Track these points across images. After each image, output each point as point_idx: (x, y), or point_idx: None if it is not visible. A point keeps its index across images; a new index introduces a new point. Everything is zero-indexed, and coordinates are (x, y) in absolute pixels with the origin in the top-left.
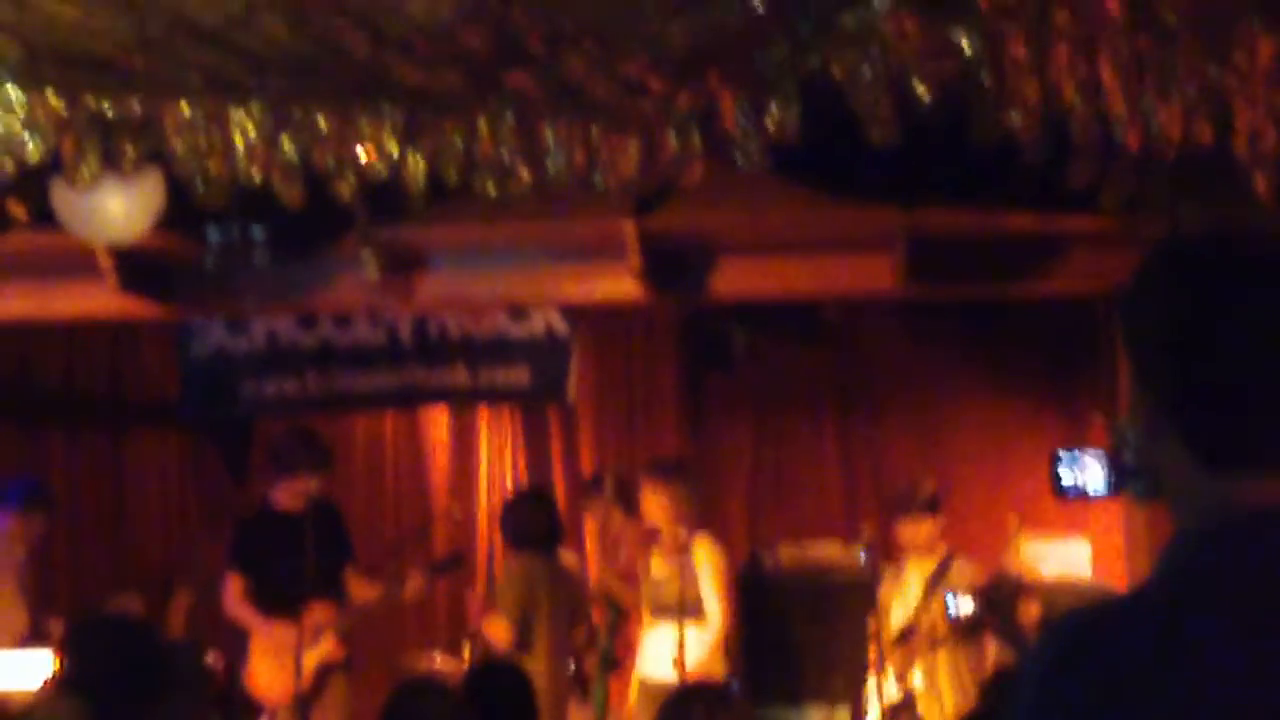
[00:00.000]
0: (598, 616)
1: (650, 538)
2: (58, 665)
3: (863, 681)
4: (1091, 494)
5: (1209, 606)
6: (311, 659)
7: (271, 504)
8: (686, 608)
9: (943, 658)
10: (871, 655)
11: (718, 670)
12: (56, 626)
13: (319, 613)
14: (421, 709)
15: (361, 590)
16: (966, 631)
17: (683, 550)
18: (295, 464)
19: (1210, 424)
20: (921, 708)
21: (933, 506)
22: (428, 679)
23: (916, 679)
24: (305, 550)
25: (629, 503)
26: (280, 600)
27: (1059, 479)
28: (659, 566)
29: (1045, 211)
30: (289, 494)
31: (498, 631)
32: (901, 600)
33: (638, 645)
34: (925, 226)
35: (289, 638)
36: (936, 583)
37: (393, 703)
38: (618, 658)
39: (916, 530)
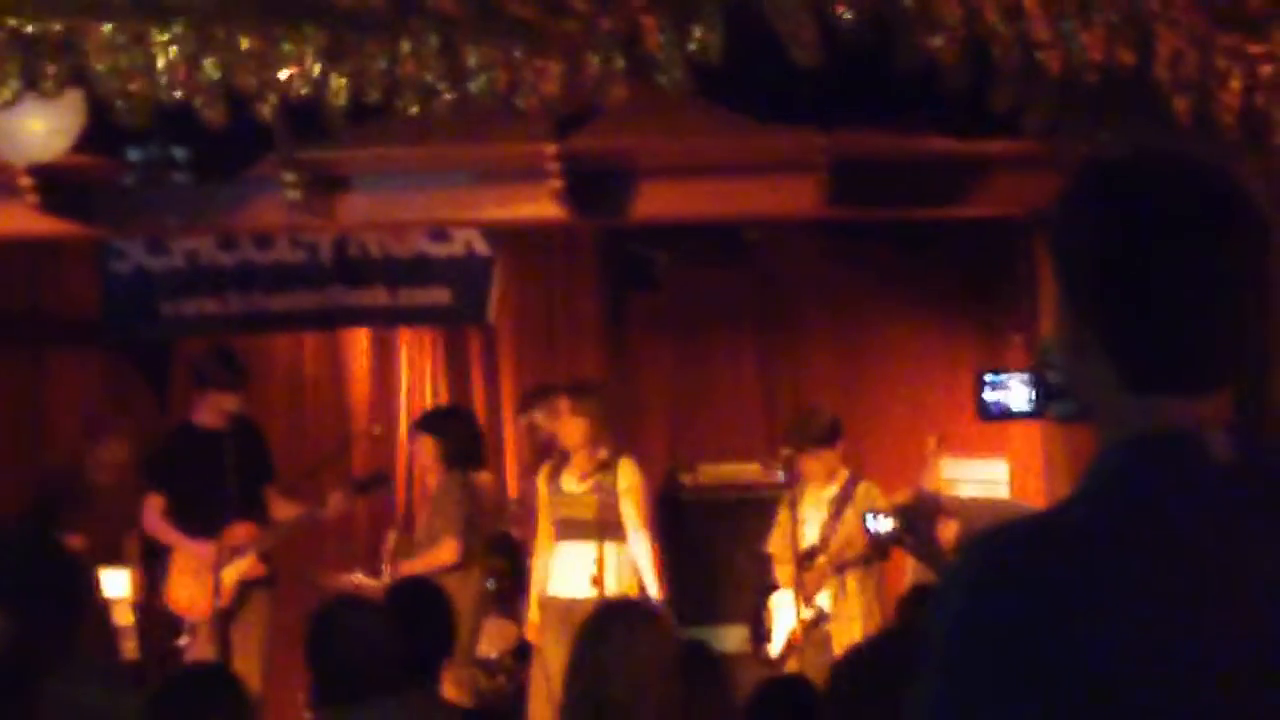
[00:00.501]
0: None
1: (561, 459)
2: None
3: (764, 602)
4: (1016, 415)
5: (1132, 523)
6: (231, 576)
7: (192, 422)
8: (605, 526)
9: (851, 580)
10: (776, 575)
11: (634, 591)
12: None
13: (239, 531)
14: (347, 624)
15: (282, 509)
16: (879, 551)
17: (602, 469)
18: (214, 381)
19: (1138, 348)
20: (831, 628)
21: (829, 439)
22: (352, 596)
23: (824, 600)
24: (225, 468)
25: None
26: (200, 518)
27: (983, 401)
28: (571, 483)
29: (966, 135)
30: (209, 412)
31: (447, 554)
32: (804, 523)
33: (535, 561)
34: (847, 149)
35: (208, 555)
36: (841, 507)
37: (319, 619)
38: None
39: (815, 462)
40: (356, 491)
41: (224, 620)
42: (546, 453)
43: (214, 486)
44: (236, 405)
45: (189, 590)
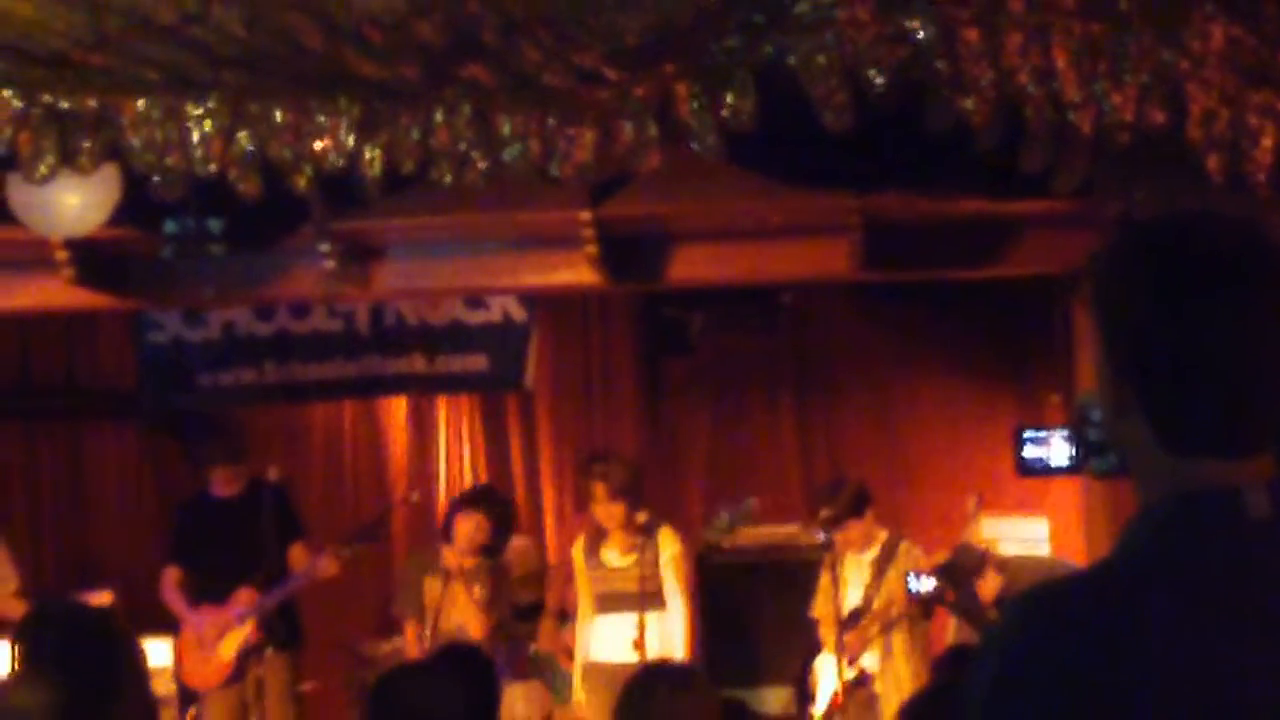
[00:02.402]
0: (555, 599)
1: (598, 532)
2: (15, 654)
3: (810, 664)
4: (1055, 470)
5: (1171, 583)
6: (231, 646)
7: (207, 491)
8: (647, 596)
9: (897, 640)
10: (821, 637)
11: (676, 655)
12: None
13: (241, 598)
14: (409, 692)
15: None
16: (924, 610)
17: (643, 534)
18: (210, 459)
19: (1176, 411)
20: (879, 688)
21: (856, 510)
22: (412, 663)
23: (870, 660)
24: (240, 535)
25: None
26: (214, 587)
27: (1022, 456)
28: (612, 556)
29: (999, 195)
30: (221, 481)
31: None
32: (847, 584)
33: (577, 634)
34: (880, 211)
35: (210, 626)
36: (884, 567)
37: (380, 686)
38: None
39: (847, 533)
40: (348, 547)
41: (235, 689)
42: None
43: (228, 555)
44: (241, 475)
45: (195, 662)
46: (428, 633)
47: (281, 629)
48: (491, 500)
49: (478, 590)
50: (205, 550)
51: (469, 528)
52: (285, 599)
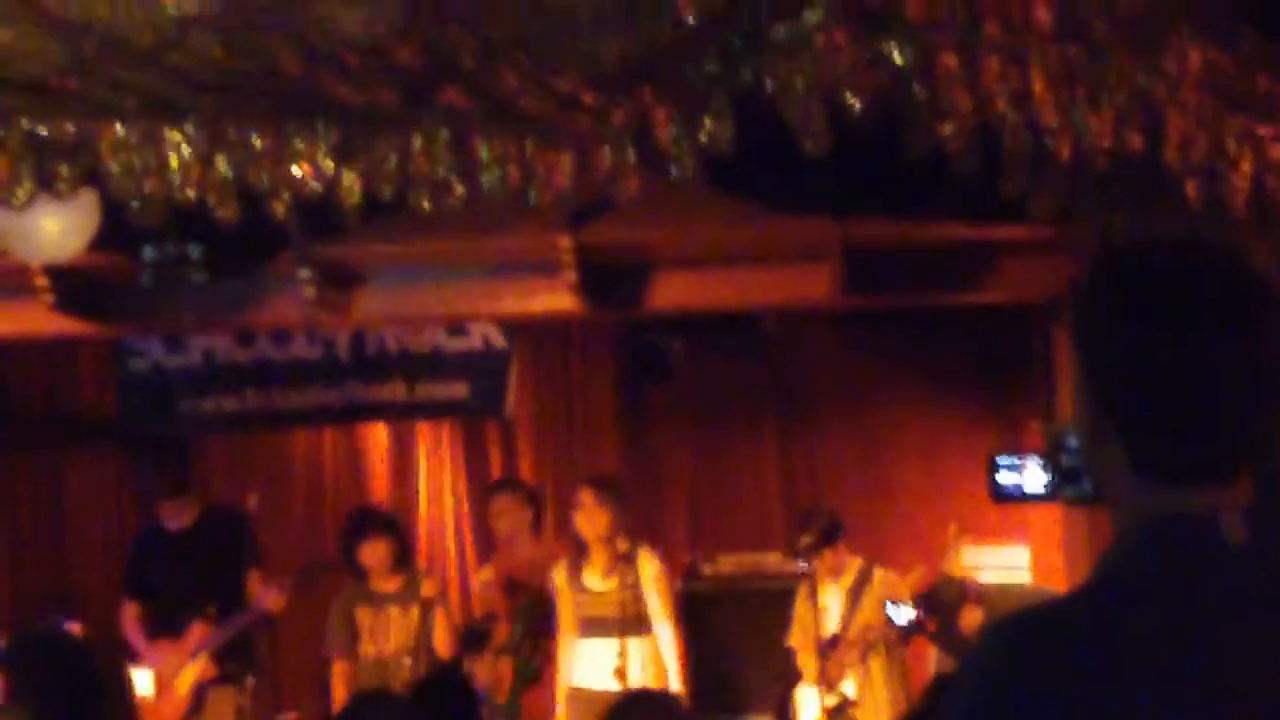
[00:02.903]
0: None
1: (579, 554)
2: None
3: (790, 693)
4: (1029, 497)
5: (1148, 608)
6: (186, 681)
7: (159, 524)
8: (628, 622)
9: (875, 666)
10: (800, 666)
11: (657, 683)
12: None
13: (195, 633)
14: (374, 716)
15: (264, 594)
16: (903, 638)
17: (623, 561)
18: (151, 491)
19: (1154, 438)
20: (858, 714)
21: (829, 539)
22: (375, 691)
23: (849, 688)
24: (192, 567)
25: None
26: (169, 621)
27: (996, 483)
28: (594, 580)
29: (977, 221)
30: (170, 513)
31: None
32: (824, 610)
33: (559, 657)
34: (859, 237)
35: (168, 660)
36: (859, 592)
37: (343, 714)
38: (538, 670)
39: (820, 563)
40: (296, 582)
41: None
42: (507, 546)
43: (182, 587)
44: (190, 506)
45: (151, 698)
46: (371, 660)
47: (233, 663)
48: (380, 522)
49: (414, 610)
50: (159, 583)
51: (378, 555)
52: (239, 631)
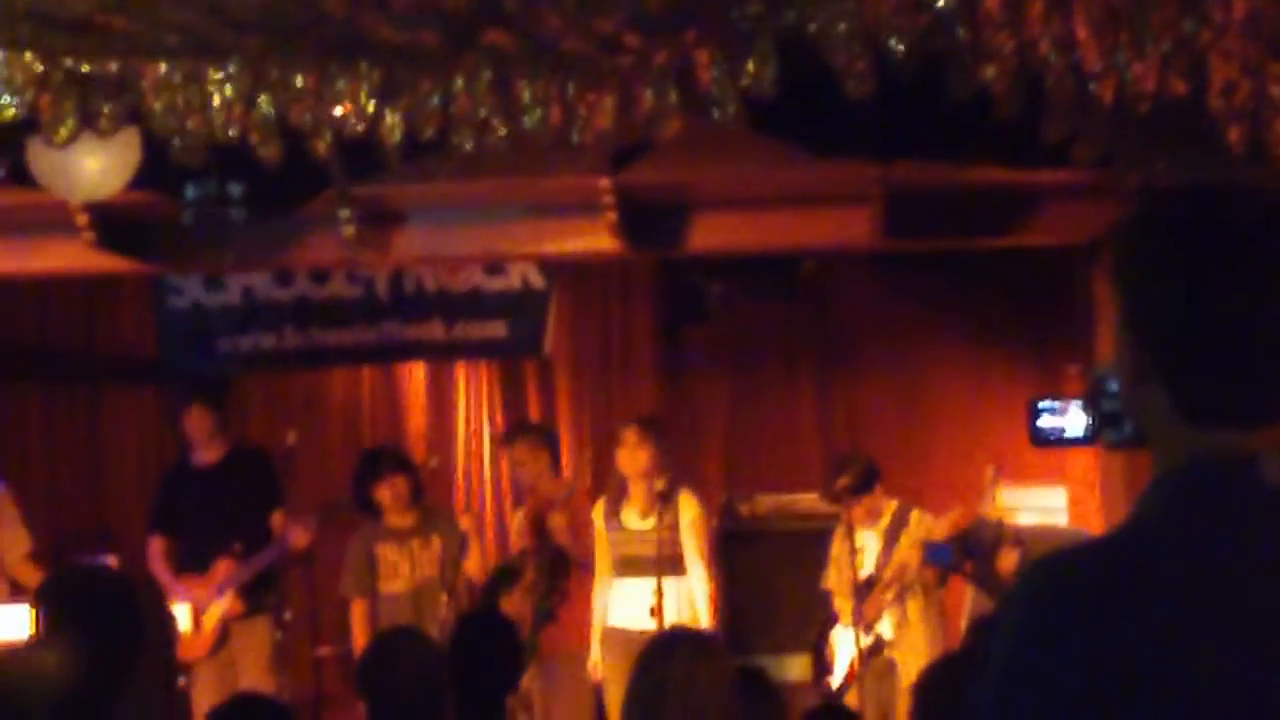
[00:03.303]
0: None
1: (618, 493)
2: (35, 617)
3: (826, 634)
4: (1069, 441)
5: (1187, 549)
6: (212, 618)
7: (187, 460)
8: (664, 561)
9: (913, 608)
10: (836, 608)
11: (692, 622)
12: (34, 579)
13: (220, 569)
14: (398, 654)
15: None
16: (939, 578)
17: (663, 501)
18: (180, 400)
19: (1195, 381)
20: (895, 656)
21: (866, 486)
22: (406, 627)
23: (886, 629)
24: (219, 504)
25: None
26: (195, 557)
27: (1037, 427)
28: (633, 518)
29: (1020, 165)
30: (202, 447)
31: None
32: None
33: (594, 597)
34: (901, 180)
35: (196, 596)
36: (895, 535)
37: (369, 650)
38: (552, 610)
39: (857, 509)
40: (320, 519)
41: (221, 658)
42: (527, 491)
43: (208, 524)
44: (207, 426)
45: (188, 632)
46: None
47: (260, 597)
48: (394, 460)
49: (436, 542)
50: (186, 519)
51: (391, 493)
52: (266, 568)
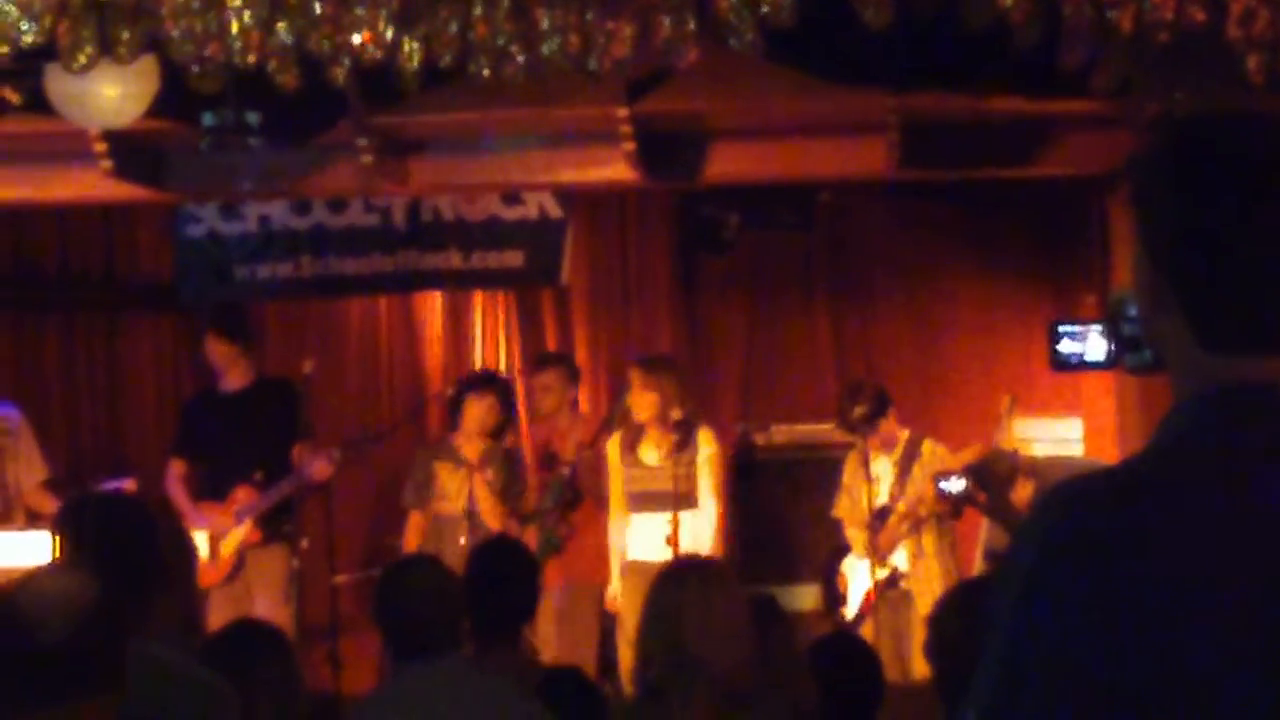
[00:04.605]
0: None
1: (636, 430)
2: (55, 543)
3: (836, 563)
4: (1089, 365)
5: (1206, 475)
6: (230, 545)
7: (214, 387)
8: (680, 496)
9: (928, 540)
10: (848, 537)
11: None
12: (50, 506)
13: (240, 497)
14: (413, 579)
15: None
16: (953, 510)
17: (680, 437)
18: (212, 328)
19: (1214, 307)
20: (911, 587)
21: (879, 412)
22: (420, 554)
23: (900, 560)
24: (243, 431)
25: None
26: (215, 482)
27: (1057, 351)
28: (649, 454)
29: (1037, 95)
30: (231, 374)
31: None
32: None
33: (610, 531)
34: (918, 110)
35: (213, 522)
36: (908, 465)
37: (386, 576)
38: (561, 541)
39: (871, 437)
40: (345, 451)
41: (237, 585)
42: (547, 419)
43: (230, 451)
44: (228, 355)
45: (206, 559)
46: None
47: (277, 526)
48: (500, 383)
49: (491, 474)
50: (209, 446)
51: (480, 410)
52: (282, 499)
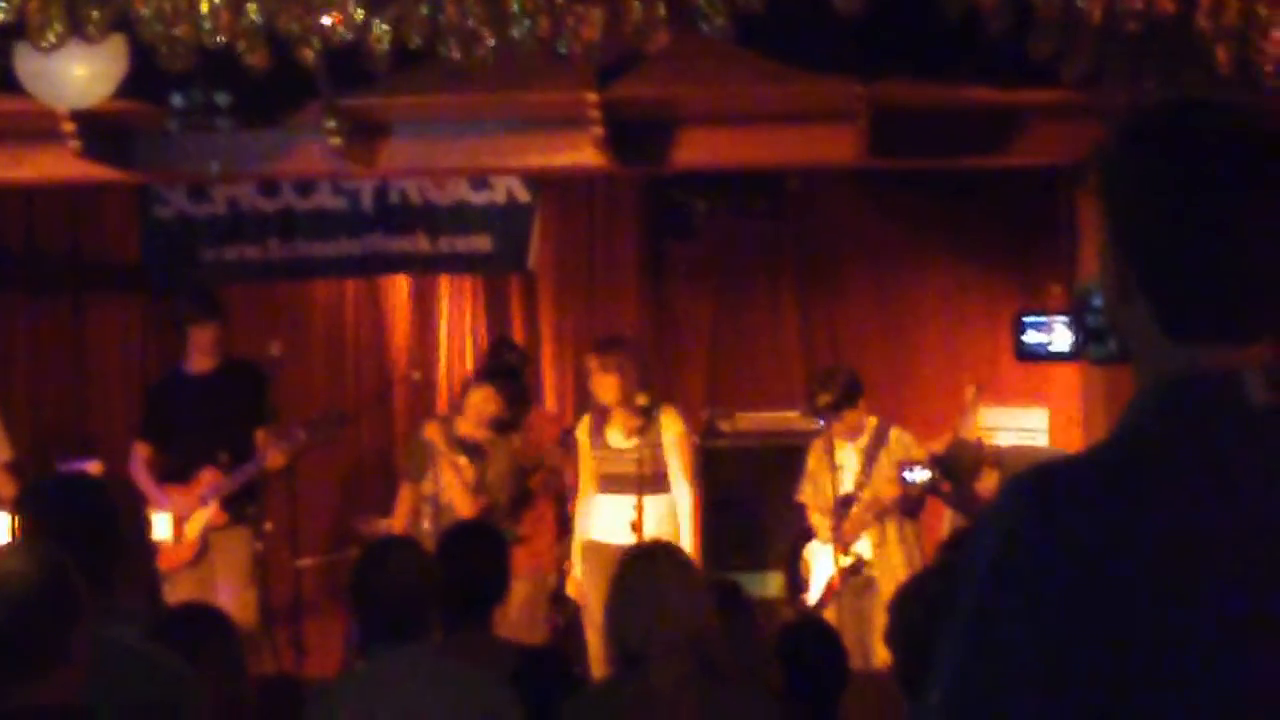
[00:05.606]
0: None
1: (601, 413)
2: (14, 525)
3: (799, 550)
4: (1054, 356)
5: (1169, 463)
6: (194, 528)
7: (180, 368)
8: (646, 479)
9: (891, 528)
10: (812, 524)
11: (677, 540)
12: (12, 488)
13: (205, 479)
14: (390, 562)
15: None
16: (917, 500)
17: (646, 420)
18: (186, 316)
19: (1180, 296)
20: (875, 575)
21: (849, 399)
22: (396, 537)
23: (864, 548)
24: (209, 413)
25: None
26: (180, 465)
27: (1022, 342)
28: (616, 437)
29: (1007, 84)
30: (197, 356)
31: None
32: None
33: (576, 512)
34: (887, 98)
35: (178, 505)
36: (874, 453)
37: (362, 559)
38: (518, 535)
39: (839, 424)
40: (311, 433)
41: (201, 568)
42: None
43: (196, 433)
44: (214, 338)
45: (161, 542)
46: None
47: (241, 508)
48: (503, 376)
49: (464, 466)
50: (175, 427)
51: (477, 399)
52: (248, 481)
